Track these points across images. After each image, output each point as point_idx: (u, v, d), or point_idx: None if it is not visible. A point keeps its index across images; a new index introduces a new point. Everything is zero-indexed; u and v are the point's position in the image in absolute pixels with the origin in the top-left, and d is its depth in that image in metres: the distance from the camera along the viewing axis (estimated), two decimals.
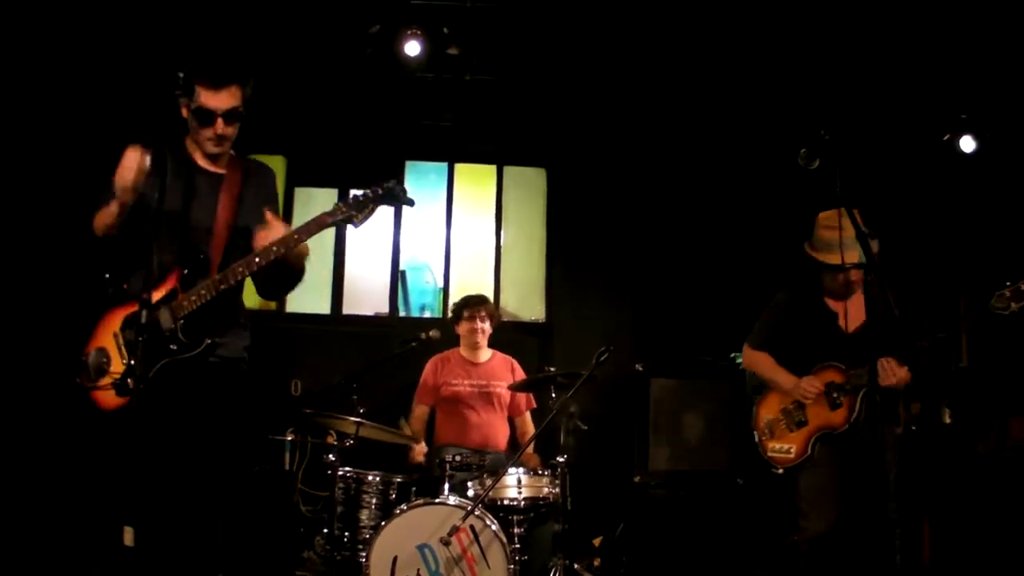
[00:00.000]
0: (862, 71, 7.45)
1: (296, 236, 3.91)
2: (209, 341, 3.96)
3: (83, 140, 6.95)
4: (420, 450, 6.64)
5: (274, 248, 3.89)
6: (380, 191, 3.91)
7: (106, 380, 3.98)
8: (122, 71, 7.12)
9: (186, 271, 3.98)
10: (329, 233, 8.46)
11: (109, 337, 4.04)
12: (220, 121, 4.05)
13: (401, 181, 3.95)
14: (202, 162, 4.21)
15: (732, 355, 7.22)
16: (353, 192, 3.92)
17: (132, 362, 3.82)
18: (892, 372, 4.96)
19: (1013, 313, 4.59)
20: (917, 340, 4.91)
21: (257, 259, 3.93)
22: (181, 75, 4.05)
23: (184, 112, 4.13)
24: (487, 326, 7.00)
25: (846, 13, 6.97)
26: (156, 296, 3.91)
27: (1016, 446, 6.60)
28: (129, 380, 3.87)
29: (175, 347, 3.91)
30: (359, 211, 3.87)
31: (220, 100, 4.05)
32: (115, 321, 4.05)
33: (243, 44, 7.02)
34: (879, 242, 5.02)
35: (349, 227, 3.91)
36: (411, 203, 4.03)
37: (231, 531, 4.21)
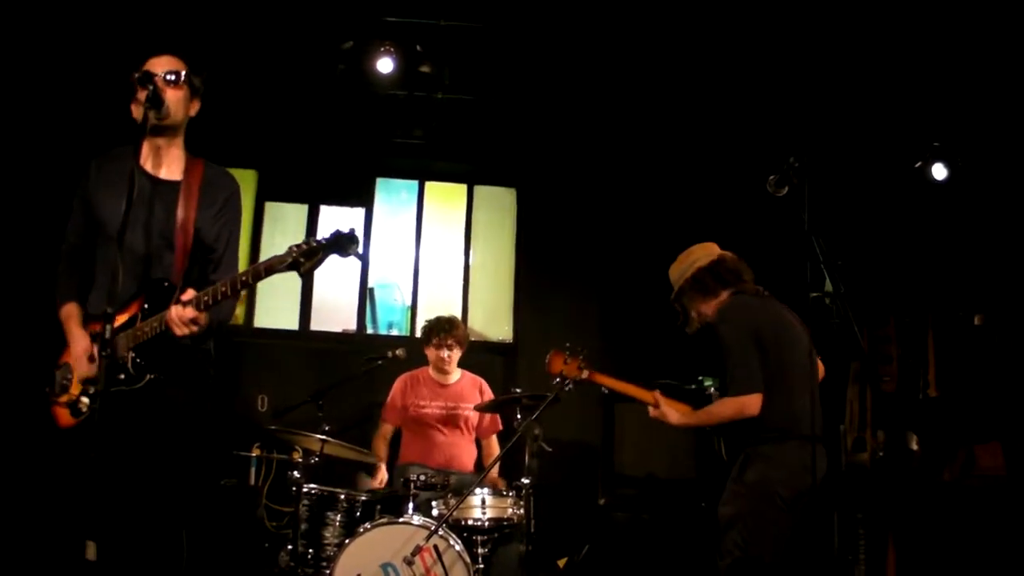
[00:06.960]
0: (834, 97, 7.51)
1: (244, 278, 3.73)
2: (151, 376, 3.83)
3: (54, 149, 6.89)
4: (381, 478, 6.62)
5: (222, 289, 3.72)
6: (331, 239, 3.63)
7: (64, 398, 3.93)
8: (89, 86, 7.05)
9: (147, 306, 3.87)
10: None
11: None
12: (159, 79, 3.92)
13: (354, 231, 3.67)
14: (154, 171, 4.08)
15: (700, 378, 7.20)
16: (307, 239, 3.65)
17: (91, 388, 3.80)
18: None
19: None
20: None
21: (210, 295, 3.75)
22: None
23: (134, 108, 3.98)
24: (454, 354, 6.98)
25: (818, 40, 7.03)
26: (120, 319, 3.82)
27: (981, 474, 6.64)
28: (84, 400, 3.85)
29: (123, 377, 3.78)
30: (308, 257, 3.59)
31: (159, 64, 4.00)
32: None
33: (217, 58, 6.98)
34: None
35: (293, 272, 3.69)
36: (361, 257, 3.84)
37: (196, 545, 4.14)
